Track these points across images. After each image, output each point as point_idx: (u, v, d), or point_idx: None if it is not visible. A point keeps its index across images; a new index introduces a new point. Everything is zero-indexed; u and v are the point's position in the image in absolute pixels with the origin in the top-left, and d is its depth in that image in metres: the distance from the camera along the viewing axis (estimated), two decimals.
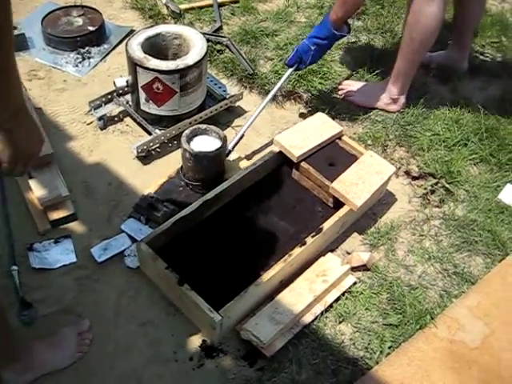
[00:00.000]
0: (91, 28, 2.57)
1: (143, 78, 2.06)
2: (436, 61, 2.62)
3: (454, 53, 2.61)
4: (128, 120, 2.32)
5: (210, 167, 2.00)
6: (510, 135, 2.31)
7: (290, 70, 2.17)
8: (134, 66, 2.05)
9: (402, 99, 2.38)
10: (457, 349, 1.71)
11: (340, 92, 2.46)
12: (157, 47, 2.17)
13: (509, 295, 1.85)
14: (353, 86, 2.46)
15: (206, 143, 2.01)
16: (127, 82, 2.19)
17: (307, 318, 1.75)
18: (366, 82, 2.49)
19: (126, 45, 2.09)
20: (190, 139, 2.00)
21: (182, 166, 2.07)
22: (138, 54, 2.06)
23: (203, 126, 2.04)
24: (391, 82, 2.35)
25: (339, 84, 2.49)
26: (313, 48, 2.09)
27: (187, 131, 2.00)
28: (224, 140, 2.00)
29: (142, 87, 2.09)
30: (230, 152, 2.08)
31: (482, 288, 1.87)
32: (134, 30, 2.66)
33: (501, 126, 2.34)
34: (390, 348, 1.70)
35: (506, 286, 1.88)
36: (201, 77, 2.14)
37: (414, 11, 2.13)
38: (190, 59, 2.07)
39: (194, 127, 2.03)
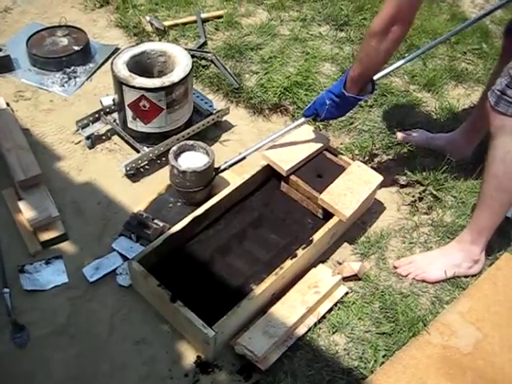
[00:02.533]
0: (76, 47, 2.59)
1: (129, 97, 2.07)
2: (436, 144, 2.32)
3: (460, 138, 2.28)
4: (116, 138, 2.33)
5: (199, 183, 2.00)
6: None
7: (304, 119, 2.02)
8: (119, 84, 2.07)
9: (483, 256, 1.96)
10: (450, 355, 1.72)
11: (408, 276, 1.95)
12: (142, 65, 2.19)
13: (499, 299, 1.87)
14: (414, 262, 1.96)
15: (193, 159, 2.03)
16: (113, 100, 2.20)
17: (301, 330, 1.75)
18: (424, 253, 2.01)
19: (112, 64, 2.11)
20: (177, 155, 2.02)
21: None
22: (124, 72, 2.07)
23: (190, 142, 2.06)
24: (471, 241, 1.92)
25: (394, 267, 1.98)
26: (328, 103, 1.91)
27: (174, 148, 2.02)
28: (211, 155, 2.01)
29: (128, 105, 2.11)
30: (223, 170, 2.05)
31: (473, 293, 1.88)
32: (119, 48, 2.69)
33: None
34: (384, 357, 1.71)
35: (496, 290, 1.89)
36: (187, 93, 2.15)
37: (503, 159, 1.73)
38: (175, 76, 2.08)
39: (181, 143, 2.05)
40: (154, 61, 2.22)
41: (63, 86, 2.51)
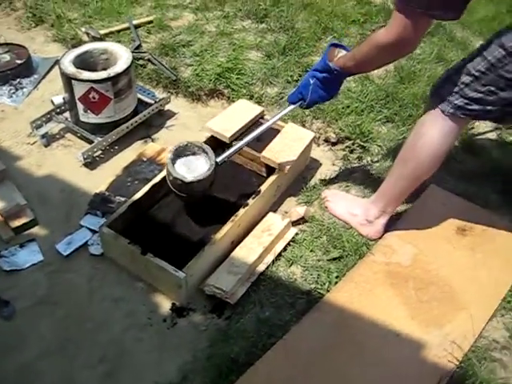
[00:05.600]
0: (19, 61, 2.76)
1: (79, 90, 2.27)
2: None
3: None
4: (69, 135, 2.50)
5: (206, 185, 1.96)
6: (408, 97, 2.67)
7: (292, 106, 2.01)
8: (68, 80, 2.26)
9: (379, 225, 2.08)
10: (393, 268, 1.98)
11: (323, 199, 2.23)
12: (86, 63, 2.38)
13: (428, 220, 2.15)
14: (336, 195, 2.23)
15: (191, 163, 1.97)
16: (64, 98, 2.38)
17: (261, 267, 1.97)
18: (346, 193, 2.27)
19: (59, 63, 2.30)
20: (174, 164, 1.94)
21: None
22: (71, 69, 2.27)
23: (182, 145, 1.97)
24: (372, 200, 2.10)
25: (322, 197, 2.24)
26: (312, 81, 1.89)
27: (170, 155, 1.93)
28: (210, 154, 1.95)
29: (79, 99, 2.29)
30: (222, 163, 1.97)
31: (407, 219, 2.16)
32: (59, 60, 2.87)
33: (399, 91, 2.69)
34: (336, 278, 1.94)
35: (426, 214, 2.18)
36: (131, 83, 2.37)
37: (416, 132, 1.87)
38: (118, 68, 2.30)
39: (173, 149, 1.95)
40: (96, 59, 2.42)
41: (11, 96, 2.67)
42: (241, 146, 2.03)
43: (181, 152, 1.97)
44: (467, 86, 1.71)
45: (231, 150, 2.01)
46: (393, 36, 1.64)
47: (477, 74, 1.69)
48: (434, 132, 1.81)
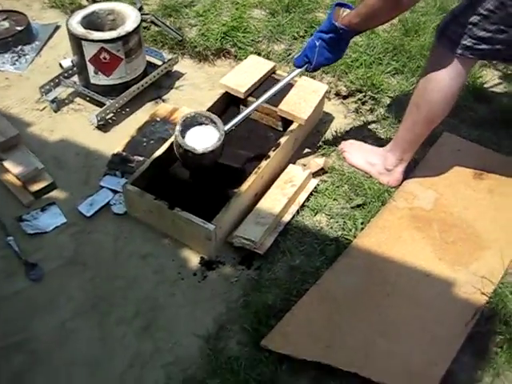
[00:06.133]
0: (19, 28, 2.70)
1: (89, 51, 2.23)
2: None
3: None
4: (78, 100, 2.47)
5: (216, 156, 1.96)
6: (415, 48, 2.67)
7: (298, 70, 2.00)
8: (78, 41, 2.22)
9: (398, 173, 2.11)
10: (417, 212, 2.01)
11: (340, 150, 2.26)
12: (93, 25, 2.34)
13: (445, 166, 2.17)
14: (353, 144, 2.25)
15: (201, 134, 1.95)
16: (72, 61, 2.35)
17: (287, 218, 1.98)
18: (363, 143, 2.26)
19: (67, 25, 2.26)
20: (183, 136, 1.92)
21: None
22: (80, 29, 2.23)
23: (190, 115, 1.95)
24: (389, 148, 2.11)
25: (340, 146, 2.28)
26: (317, 43, 1.88)
27: (178, 128, 1.90)
28: (219, 124, 1.94)
29: (89, 60, 2.26)
30: (230, 131, 1.97)
31: (425, 165, 2.18)
32: (59, 26, 2.83)
33: (405, 43, 2.69)
34: (362, 224, 1.97)
35: (442, 160, 2.20)
36: (140, 42, 2.34)
37: (425, 76, 1.87)
38: (128, 27, 2.27)
39: (181, 121, 1.93)
40: (103, 20, 2.39)
41: (15, 64, 2.62)
42: (247, 113, 2.02)
43: (189, 123, 1.95)
44: (475, 26, 1.71)
45: (237, 117, 1.99)
46: None
47: (485, 12, 1.67)
48: (443, 74, 1.81)
